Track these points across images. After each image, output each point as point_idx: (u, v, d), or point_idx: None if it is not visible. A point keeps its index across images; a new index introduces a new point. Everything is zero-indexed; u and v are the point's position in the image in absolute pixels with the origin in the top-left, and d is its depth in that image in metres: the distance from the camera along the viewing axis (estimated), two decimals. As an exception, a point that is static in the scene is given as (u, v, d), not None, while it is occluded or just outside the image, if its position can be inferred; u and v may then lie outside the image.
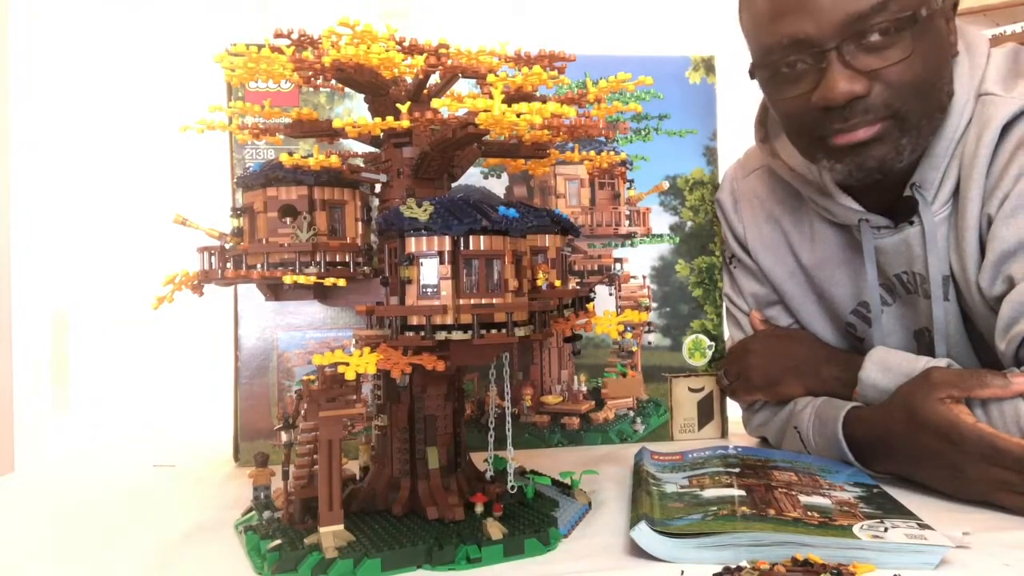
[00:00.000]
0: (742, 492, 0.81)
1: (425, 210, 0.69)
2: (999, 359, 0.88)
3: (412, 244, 0.69)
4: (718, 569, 0.65)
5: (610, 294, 1.20)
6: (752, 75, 0.95)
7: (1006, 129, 0.88)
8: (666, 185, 1.21)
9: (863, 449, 0.91)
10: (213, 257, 0.79)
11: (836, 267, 1.05)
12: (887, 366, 0.91)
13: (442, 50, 0.79)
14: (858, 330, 1.06)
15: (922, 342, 1.01)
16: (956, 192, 0.92)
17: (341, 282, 0.72)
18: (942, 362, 0.88)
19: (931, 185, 0.92)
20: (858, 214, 0.97)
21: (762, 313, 1.14)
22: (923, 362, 0.88)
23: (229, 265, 0.78)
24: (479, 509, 0.76)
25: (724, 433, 1.21)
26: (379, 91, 0.79)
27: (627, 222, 1.20)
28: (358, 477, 0.87)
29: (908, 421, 0.83)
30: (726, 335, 1.22)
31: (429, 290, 0.69)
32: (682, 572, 0.66)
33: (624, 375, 1.19)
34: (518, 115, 0.64)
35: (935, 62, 0.88)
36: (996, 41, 1.03)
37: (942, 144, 0.91)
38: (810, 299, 1.10)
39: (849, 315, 1.06)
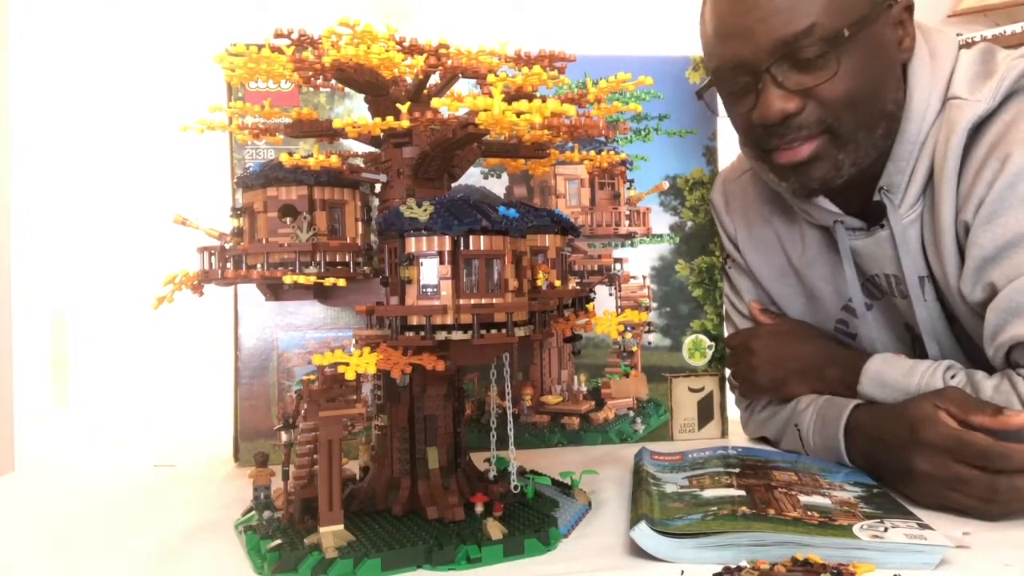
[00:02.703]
0: (742, 492, 0.81)
1: (425, 210, 0.69)
2: (984, 355, 0.89)
3: (412, 244, 0.69)
4: (718, 569, 0.65)
5: (610, 294, 1.20)
6: (699, 95, 1.01)
7: (974, 133, 0.88)
8: (666, 185, 1.21)
9: (857, 455, 0.91)
10: (213, 257, 0.79)
11: (824, 266, 1.06)
12: (883, 382, 0.91)
13: (442, 50, 0.79)
14: (849, 326, 1.07)
15: (914, 334, 1.02)
16: (925, 193, 0.93)
17: (341, 282, 0.72)
18: (943, 371, 0.88)
19: (898, 188, 0.94)
20: (833, 215, 0.99)
21: (761, 303, 1.14)
22: (919, 374, 0.89)
23: (229, 265, 0.78)
24: (479, 509, 0.76)
25: (724, 433, 1.21)
26: (379, 91, 0.79)
27: (627, 222, 1.20)
28: (358, 477, 0.87)
29: (904, 432, 0.83)
30: (726, 335, 1.22)
31: (429, 290, 0.69)
32: (682, 572, 0.66)
33: (627, 375, 1.19)
34: (518, 115, 0.64)
35: (871, 75, 0.89)
36: (997, 41, 1.03)
37: (904, 147, 0.92)
38: (799, 300, 1.11)
39: (840, 311, 1.07)
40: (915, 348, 1.02)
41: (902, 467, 0.82)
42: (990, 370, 0.87)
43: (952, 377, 0.87)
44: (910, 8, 0.93)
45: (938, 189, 0.90)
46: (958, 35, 1.00)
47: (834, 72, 0.87)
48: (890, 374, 0.91)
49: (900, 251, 0.94)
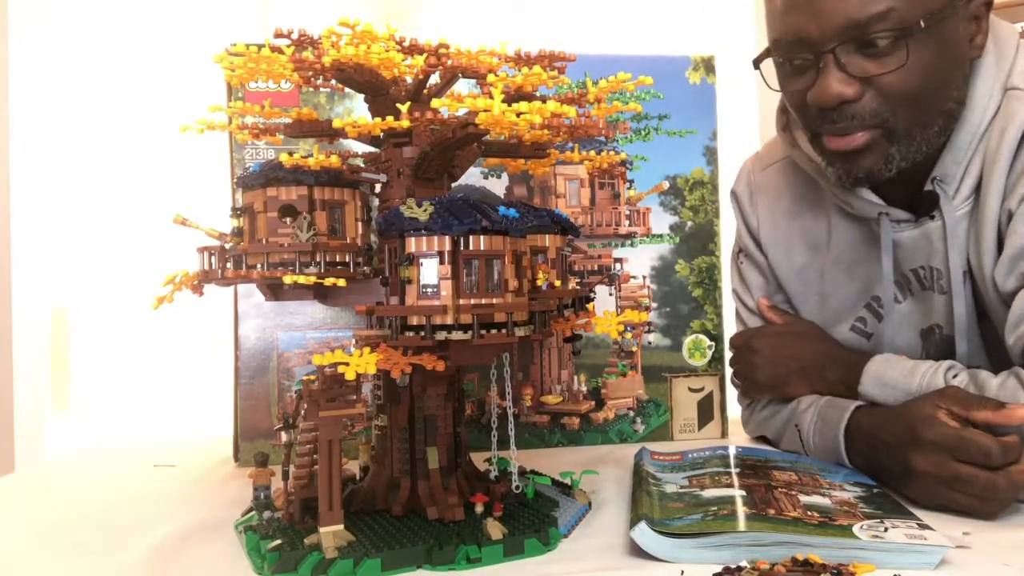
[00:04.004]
0: (742, 492, 0.81)
1: (425, 210, 0.69)
2: (1009, 357, 0.88)
3: (412, 244, 0.69)
4: (718, 569, 0.65)
5: (610, 294, 1.20)
6: (756, 64, 0.96)
7: None
8: (666, 185, 1.21)
9: (857, 456, 0.91)
10: (213, 257, 0.79)
11: (851, 262, 1.05)
12: (884, 381, 0.91)
13: (442, 50, 0.79)
14: (868, 325, 1.05)
15: (929, 341, 1.01)
16: (979, 187, 0.91)
17: (341, 282, 0.72)
18: (944, 370, 0.87)
19: (953, 179, 0.92)
20: (877, 207, 0.97)
21: (770, 299, 1.13)
22: (920, 374, 0.88)
23: (229, 265, 0.78)
24: (479, 509, 0.76)
25: (724, 433, 1.21)
26: (379, 91, 0.79)
27: (627, 222, 1.20)
28: (358, 477, 0.87)
29: (904, 433, 0.83)
30: (726, 335, 1.22)
31: (429, 290, 0.69)
32: (682, 572, 0.66)
33: (624, 375, 1.19)
34: (518, 115, 0.64)
35: (938, 71, 0.87)
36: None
37: (964, 137, 0.90)
38: (813, 299, 1.09)
39: (862, 309, 1.05)
40: (925, 355, 1.01)
41: (902, 467, 0.82)
42: None
43: (954, 377, 0.87)
44: (989, 4, 0.90)
45: (987, 178, 0.89)
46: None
47: (901, 63, 0.84)
48: (891, 374, 0.91)
49: (950, 242, 0.92)
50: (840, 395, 0.97)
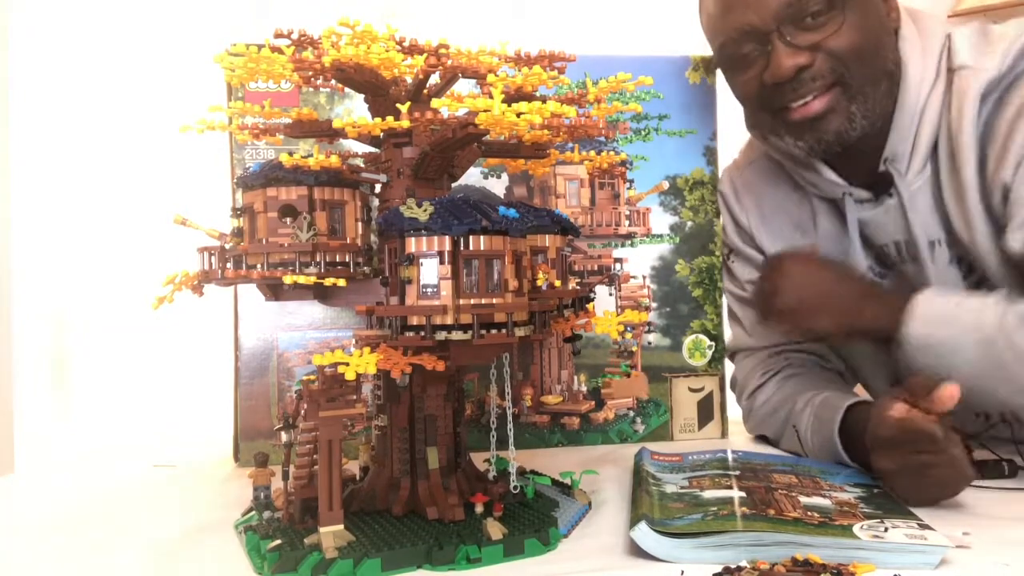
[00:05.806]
0: (742, 493, 0.81)
1: (425, 210, 0.69)
2: None
3: (412, 244, 0.69)
4: (718, 569, 0.65)
5: (610, 294, 1.20)
6: (714, 67, 1.05)
7: (987, 98, 0.92)
8: (666, 185, 1.21)
9: (855, 451, 0.91)
10: (213, 257, 0.79)
11: (835, 241, 1.07)
12: (943, 318, 0.87)
13: (442, 50, 0.79)
14: None
15: None
16: (932, 160, 0.97)
17: (341, 282, 0.72)
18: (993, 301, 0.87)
19: (903, 157, 0.98)
20: (841, 187, 1.02)
21: None
22: (975, 301, 0.87)
23: (229, 265, 0.78)
24: (479, 509, 0.76)
25: (724, 433, 1.21)
26: (379, 91, 0.79)
27: (627, 222, 1.20)
28: (358, 477, 0.87)
29: (870, 436, 0.84)
30: (726, 335, 1.22)
31: (429, 290, 0.69)
32: (682, 572, 0.66)
33: (628, 375, 1.19)
34: (518, 115, 0.64)
35: (871, 31, 0.95)
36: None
37: (904, 118, 0.96)
38: None
39: None
40: None
41: (876, 469, 0.84)
42: None
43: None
44: None
45: (958, 154, 0.93)
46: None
47: (839, 25, 0.92)
48: (944, 310, 0.88)
49: (910, 216, 0.98)
50: (871, 333, 0.95)
